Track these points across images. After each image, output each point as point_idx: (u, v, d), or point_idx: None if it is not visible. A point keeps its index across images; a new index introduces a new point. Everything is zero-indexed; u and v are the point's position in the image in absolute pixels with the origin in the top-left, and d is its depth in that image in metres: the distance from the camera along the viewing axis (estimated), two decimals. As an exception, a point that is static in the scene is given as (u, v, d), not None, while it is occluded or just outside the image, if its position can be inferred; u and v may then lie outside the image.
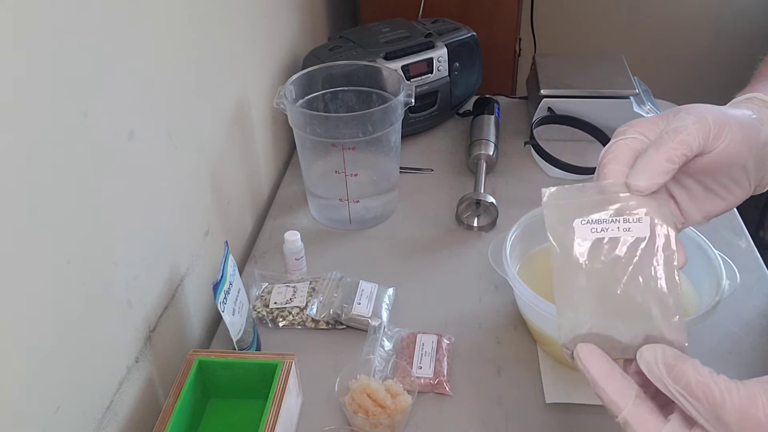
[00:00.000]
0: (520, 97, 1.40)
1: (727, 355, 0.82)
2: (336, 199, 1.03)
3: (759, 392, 0.42)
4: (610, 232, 0.49)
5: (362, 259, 0.99)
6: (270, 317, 0.88)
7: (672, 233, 0.49)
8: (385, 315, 0.87)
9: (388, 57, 1.16)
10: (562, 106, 1.18)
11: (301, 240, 0.94)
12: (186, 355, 0.74)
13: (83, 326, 0.62)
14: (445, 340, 0.83)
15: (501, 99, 1.34)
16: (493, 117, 1.22)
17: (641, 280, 0.48)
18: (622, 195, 0.49)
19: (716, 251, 0.79)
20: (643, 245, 0.48)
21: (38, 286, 0.55)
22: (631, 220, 0.48)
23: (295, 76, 1.03)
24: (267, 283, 0.93)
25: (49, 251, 0.56)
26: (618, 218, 0.49)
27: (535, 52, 1.82)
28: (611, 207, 0.49)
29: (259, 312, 0.89)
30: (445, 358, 0.81)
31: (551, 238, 0.50)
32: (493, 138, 1.16)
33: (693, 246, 0.81)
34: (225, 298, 0.73)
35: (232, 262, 0.77)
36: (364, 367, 0.77)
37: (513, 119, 1.31)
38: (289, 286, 0.91)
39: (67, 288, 0.59)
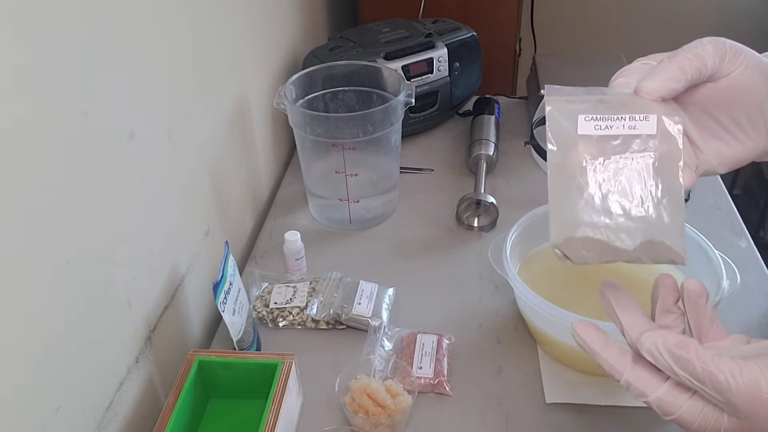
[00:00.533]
0: (520, 97, 1.40)
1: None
2: (336, 199, 1.03)
3: (761, 374, 0.44)
4: (615, 129, 0.46)
5: (362, 259, 0.99)
6: (270, 317, 0.88)
7: (679, 134, 0.46)
8: (385, 315, 0.87)
9: (389, 57, 1.16)
10: (563, 106, 1.18)
11: (302, 240, 0.94)
12: (186, 355, 0.74)
13: (83, 326, 0.62)
14: (446, 340, 0.83)
15: (501, 99, 1.34)
16: (493, 117, 1.22)
17: (643, 181, 0.46)
18: (630, 98, 0.47)
19: (716, 251, 0.79)
20: (647, 144, 0.46)
21: (38, 286, 0.55)
22: (637, 118, 0.46)
23: (295, 76, 1.03)
24: (267, 283, 0.93)
25: (49, 251, 0.56)
26: (623, 116, 0.46)
27: (535, 52, 1.82)
28: (617, 105, 0.47)
29: (259, 312, 0.89)
30: (446, 358, 0.81)
31: (550, 134, 0.47)
32: (493, 138, 1.16)
33: (693, 246, 0.81)
34: (225, 298, 0.73)
35: (232, 262, 0.77)
36: (364, 367, 0.77)
37: (513, 119, 1.31)
38: (289, 286, 0.91)
39: (67, 288, 0.59)
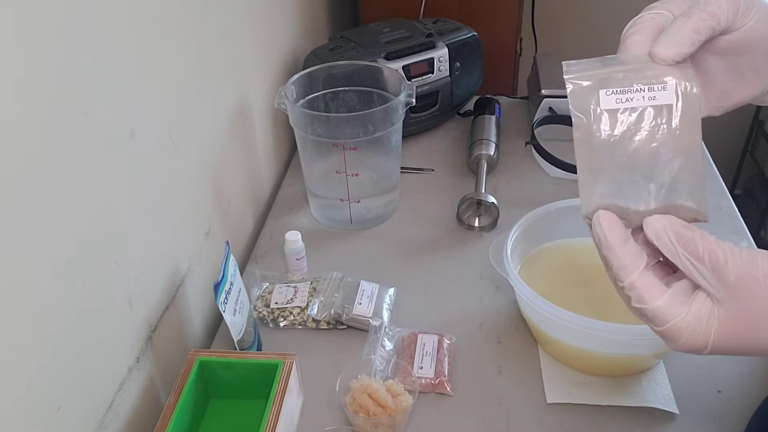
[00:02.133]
0: (521, 97, 1.40)
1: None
2: (337, 199, 1.03)
3: (759, 255, 0.45)
4: (636, 101, 0.48)
5: (363, 259, 0.99)
6: (271, 317, 0.88)
7: (696, 98, 0.48)
8: (386, 315, 0.87)
9: (389, 57, 1.16)
10: (564, 106, 1.18)
11: (302, 240, 0.94)
12: (187, 355, 0.74)
13: (84, 326, 0.62)
14: (446, 340, 0.83)
15: (502, 99, 1.35)
16: (494, 117, 1.22)
17: (665, 149, 0.48)
18: (646, 65, 0.48)
19: (717, 251, 0.79)
20: (667, 113, 0.48)
21: (39, 286, 0.55)
22: (656, 88, 0.48)
23: (295, 76, 1.03)
24: (268, 283, 0.93)
25: (50, 251, 0.56)
26: (643, 87, 0.48)
27: (536, 51, 1.82)
28: (636, 76, 0.48)
29: (260, 312, 0.89)
30: (446, 358, 0.81)
31: (574, 110, 0.49)
32: (494, 138, 1.16)
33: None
34: (226, 298, 0.73)
35: (233, 262, 0.77)
36: (365, 367, 0.77)
37: (514, 119, 1.31)
38: (290, 286, 0.92)
39: (67, 288, 0.59)
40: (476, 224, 1.04)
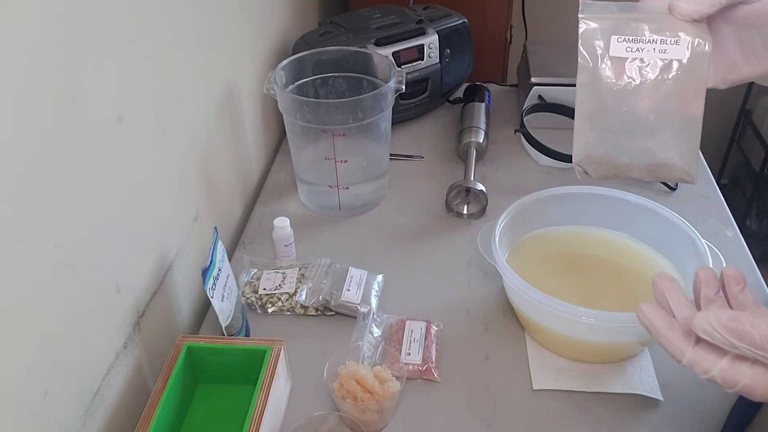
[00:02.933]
0: (510, 85, 1.40)
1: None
2: (326, 186, 1.03)
3: None
4: (645, 53, 0.47)
5: (352, 246, 0.99)
6: (259, 303, 0.88)
7: (707, 59, 0.47)
8: (374, 301, 0.87)
9: (379, 43, 1.16)
10: (553, 94, 1.18)
11: (291, 226, 0.93)
12: (175, 340, 0.74)
13: (71, 311, 0.62)
14: (434, 327, 0.83)
15: (491, 86, 1.34)
16: (483, 104, 1.22)
17: (667, 105, 0.47)
18: (662, 17, 0.48)
19: (703, 240, 0.79)
20: (676, 67, 0.47)
21: (25, 270, 0.55)
22: (668, 42, 0.47)
23: (285, 62, 1.02)
24: (256, 269, 0.93)
25: (36, 236, 0.56)
26: (655, 39, 0.47)
27: (526, 39, 1.81)
28: (650, 27, 0.47)
29: (248, 298, 0.89)
30: (434, 345, 0.81)
31: (582, 49, 0.48)
32: (483, 125, 1.16)
33: (680, 235, 0.82)
34: (214, 283, 0.73)
35: (221, 248, 0.76)
36: (352, 354, 0.77)
37: (503, 107, 1.31)
38: (278, 272, 0.91)
39: (54, 273, 0.59)
40: (465, 212, 1.04)
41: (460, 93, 1.31)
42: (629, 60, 0.48)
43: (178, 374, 0.71)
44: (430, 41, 1.20)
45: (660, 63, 0.47)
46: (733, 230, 1.00)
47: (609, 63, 0.48)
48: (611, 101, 0.48)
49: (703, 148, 1.21)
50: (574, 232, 0.91)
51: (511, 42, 1.72)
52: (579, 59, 0.49)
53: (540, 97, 1.19)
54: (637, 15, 0.48)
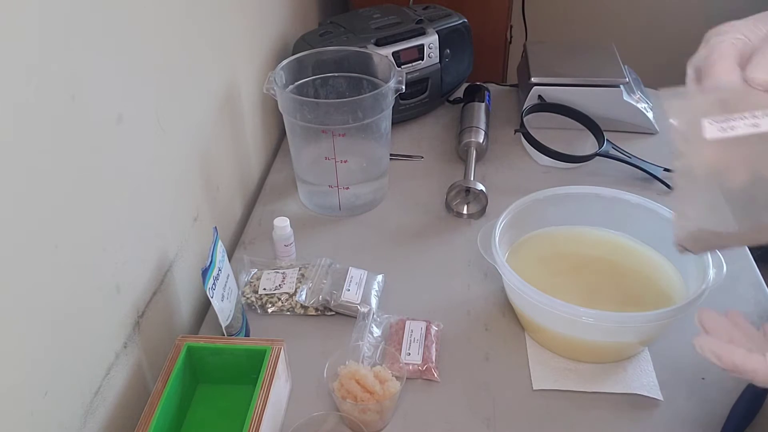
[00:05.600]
0: (510, 85, 1.40)
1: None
2: (326, 186, 1.03)
3: None
4: (739, 129, 0.48)
5: (352, 246, 0.99)
6: (259, 303, 0.88)
7: None
8: (374, 301, 0.87)
9: (379, 43, 1.16)
10: (553, 94, 1.18)
11: (291, 226, 0.93)
12: (175, 340, 0.74)
13: (71, 311, 0.62)
14: (434, 327, 0.83)
15: (491, 86, 1.34)
16: (483, 104, 1.22)
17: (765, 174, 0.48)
18: (743, 92, 0.48)
19: (703, 240, 0.79)
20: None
21: (25, 270, 0.55)
22: (758, 115, 0.47)
23: (285, 62, 1.02)
24: (256, 269, 0.93)
25: (36, 236, 0.56)
26: (745, 115, 0.48)
27: (526, 39, 1.82)
28: (735, 101, 0.48)
29: (248, 298, 0.89)
30: (434, 345, 0.81)
31: (678, 143, 0.49)
32: (483, 125, 1.16)
33: (680, 235, 0.82)
34: (214, 283, 0.73)
35: (221, 248, 0.76)
36: (352, 354, 0.77)
37: (503, 107, 1.31)
38: (278, 272, 0.91)
39: (54, 273, 0.59)
40: (465, 211, 1.04)
41: (460, 93, 1.31)
42: (724, 140, 0.48)
43: (178, 374, 0.71)
44: (430, 41, 1.20)
45: (754, 136, 0.48)
46: (733, 230, 1.00)
47: (705, 147, 0.48)
48: (709, 185, 0.49)
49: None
50: (574, 232, 0.91)
51: (511, 42, 1.72)
52: (678, 149, 0.50)
53: (540, 97, 1.19)
54: (719, 94, 0.49)
